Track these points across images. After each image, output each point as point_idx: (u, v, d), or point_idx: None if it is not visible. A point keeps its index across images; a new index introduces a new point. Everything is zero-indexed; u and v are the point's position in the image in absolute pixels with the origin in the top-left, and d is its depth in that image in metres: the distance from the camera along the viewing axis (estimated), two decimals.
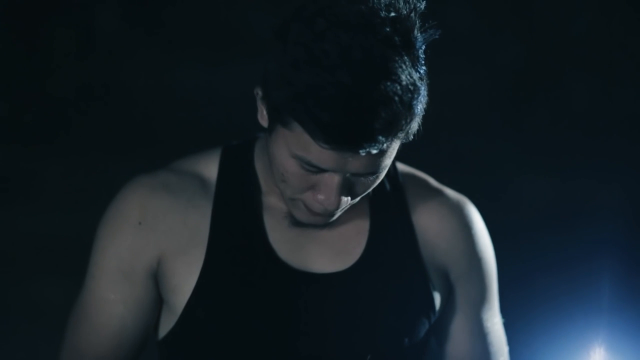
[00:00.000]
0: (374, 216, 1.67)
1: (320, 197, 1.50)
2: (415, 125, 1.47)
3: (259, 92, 1.51)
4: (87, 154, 2.80)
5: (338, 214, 1.55)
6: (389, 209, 1.68)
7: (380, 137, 1.41)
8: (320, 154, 1.44)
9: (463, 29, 2.81)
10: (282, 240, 1.62)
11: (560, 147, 2.90)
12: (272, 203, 1.63)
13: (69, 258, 2.70)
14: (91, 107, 2.80)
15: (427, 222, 1.69)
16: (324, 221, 1.57)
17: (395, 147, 1.48)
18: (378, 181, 1.53)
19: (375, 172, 1.49)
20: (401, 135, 1.45)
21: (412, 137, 1.48)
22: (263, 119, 1.52)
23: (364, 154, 1.43)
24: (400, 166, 1.72)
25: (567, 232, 2.84)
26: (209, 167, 1.67)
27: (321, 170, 1.47)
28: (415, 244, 1.67)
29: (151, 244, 1.61)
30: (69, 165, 2.80)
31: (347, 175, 1.48)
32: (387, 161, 1.49)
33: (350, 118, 1.40)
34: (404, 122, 1.43)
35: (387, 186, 1.69)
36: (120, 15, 2.79)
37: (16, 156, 2.78)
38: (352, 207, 1.60)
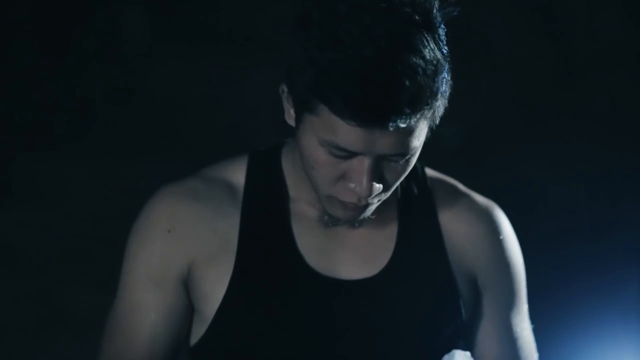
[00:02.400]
0: (401, 221, 1.66)
1: (352, 184, 1.48)
2: (441, 108, 1.47)
3: (284, 89, 1.52)
4: (114, 159, 2.80)
5: (372, 207, 1.55)
6: (417, 213, 1.68)
7: (406, 109, 1.40)
8: (348, 135, 1.43)
9: (489, 35, 2.80)
10: (310, 247, 1.62)
11: (589, 153, 2.88)
12: (301, 209, 1.63)
13: (97, 264, 2.72)
14: (118, 113, 2.80)
15: (455, 226, 1.69)
16: (359, 215, 1.55)
17: (423, 128, 1.47)
18: (408, 168, 1.52)
19: (404, 153, 1.47)
20: (427, 113, 1.44)
21: (438, 120, 1.48)
22: (290, 117, 1.53)
23: (392, 129, 1.42)
24: (429, 171, 1.72)
25: (598, 238, 2.83)
26: (237, 174, 1.67)
27: (350, 155, 1.46)
28: (443, 249, 1.67)
29: (181, 252, 1.61)
30: (95, 171, 2.80)
31: (377, 157, 1.47)
32: (416, 142, 1.47)
33: (375, 91, 1.39)
34: (429, 94, 1.42)
35: (415, 190, 1.69)
36: (148, 21, 2.79)
37: (43, 162, 2.78)
38: (380, 212, 1.60)
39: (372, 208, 1.55)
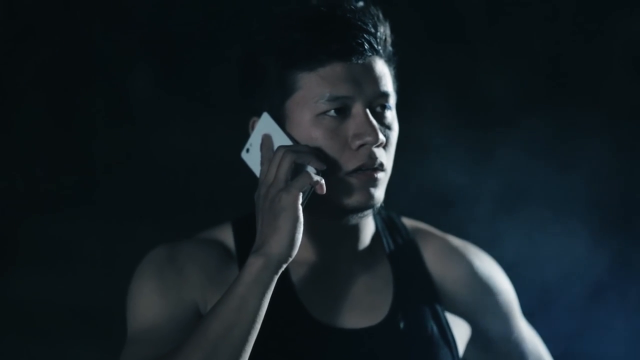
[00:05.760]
0: (394, 270, 1.72)
1: (359, 136, 1.56)
2: (394, 70, 1.64)
3: (255, 120, 1.65)
4: (121, 222, 2.80)
5: (382, 183, 1.59)
6: (406, 262, 1.74)
7: (362, 25, 1.56)
8: (332, 80, 1.55)
9: (496, 97, 2.80)
10: (311, 297, 1.65)
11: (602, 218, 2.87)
12: (297, 259, 1.64)
13: (104, 326, 2.70)
14: (125, 175, 2.81)
15: (442, 270, 1.77)
16: (375, 183, 1.59)
17: (387, 73, 1.61)
18: (395, 125, 1.61)
19: (385, 94, 1.58)
20: (384, 54, 1.60)
21: (394, 54, 1.65)
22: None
23: (370, 55, 1.57)
24: (405, 220, 1.81)
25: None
26: (225, 236, 1.72)
27: (345, 109, 1.56)
28: (436, 293, 1.74)
29: (196, 286, 1.63)
30: (103, 233, 2.80)
31: (367, 103, 1.57)
32: (389, 85, 1.61)
33: (333, 17, 1.55)
34: (375, 21, 1.60)
35: (399, 240, 1.76)
36: (154, 83, 2.80)
37: (51, 224, 2.79)
38: (374, 262, 1.68)
39: (382, 185, 1.60)
